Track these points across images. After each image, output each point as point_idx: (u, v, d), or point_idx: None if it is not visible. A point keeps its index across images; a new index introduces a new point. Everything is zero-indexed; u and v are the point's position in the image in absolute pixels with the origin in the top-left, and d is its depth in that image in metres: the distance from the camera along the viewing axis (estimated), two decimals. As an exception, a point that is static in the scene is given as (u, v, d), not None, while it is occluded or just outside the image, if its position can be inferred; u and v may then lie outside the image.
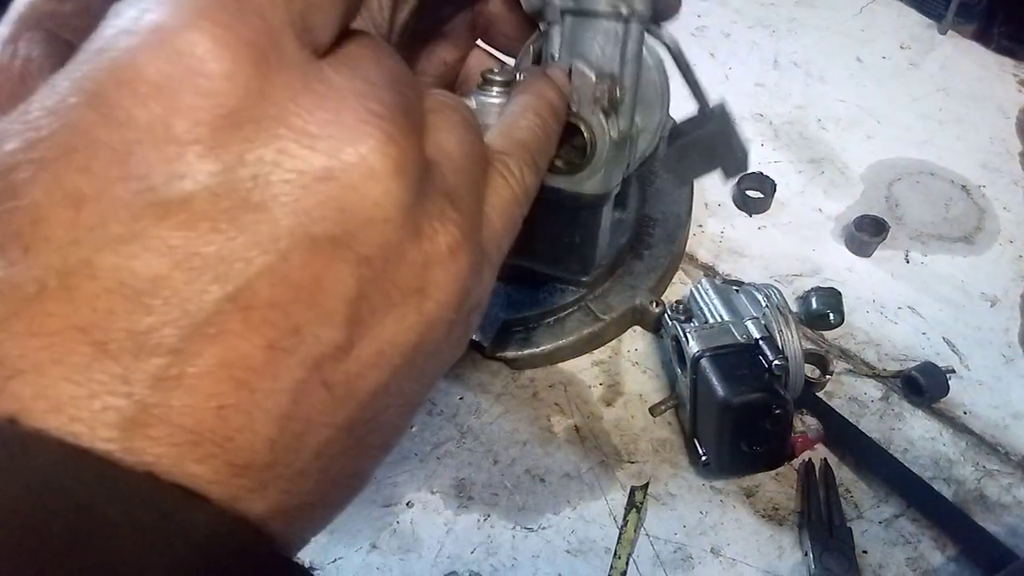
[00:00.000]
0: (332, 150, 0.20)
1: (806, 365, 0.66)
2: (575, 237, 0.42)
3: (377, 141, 0.20)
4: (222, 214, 0.19)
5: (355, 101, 0.21)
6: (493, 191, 0.27)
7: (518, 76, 0.37)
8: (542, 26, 0.43)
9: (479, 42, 0.49)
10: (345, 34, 0.23)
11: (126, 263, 0.18)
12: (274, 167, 0.19)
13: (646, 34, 0.42)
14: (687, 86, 0.44)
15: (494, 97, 0.36)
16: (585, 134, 0.39)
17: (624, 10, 0.39)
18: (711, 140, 0.45)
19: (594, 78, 0.39)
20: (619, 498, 0.63)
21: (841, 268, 0.81)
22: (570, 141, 0.40)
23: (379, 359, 0.22)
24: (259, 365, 0.19)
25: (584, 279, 0.69)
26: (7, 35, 0.24)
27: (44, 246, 0.18)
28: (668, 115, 0.43)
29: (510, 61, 0.46)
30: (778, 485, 0.65)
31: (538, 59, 0.43)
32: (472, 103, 0.37)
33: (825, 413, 0.67)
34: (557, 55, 0.42)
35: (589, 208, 0.42)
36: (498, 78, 0.37)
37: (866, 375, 0.71)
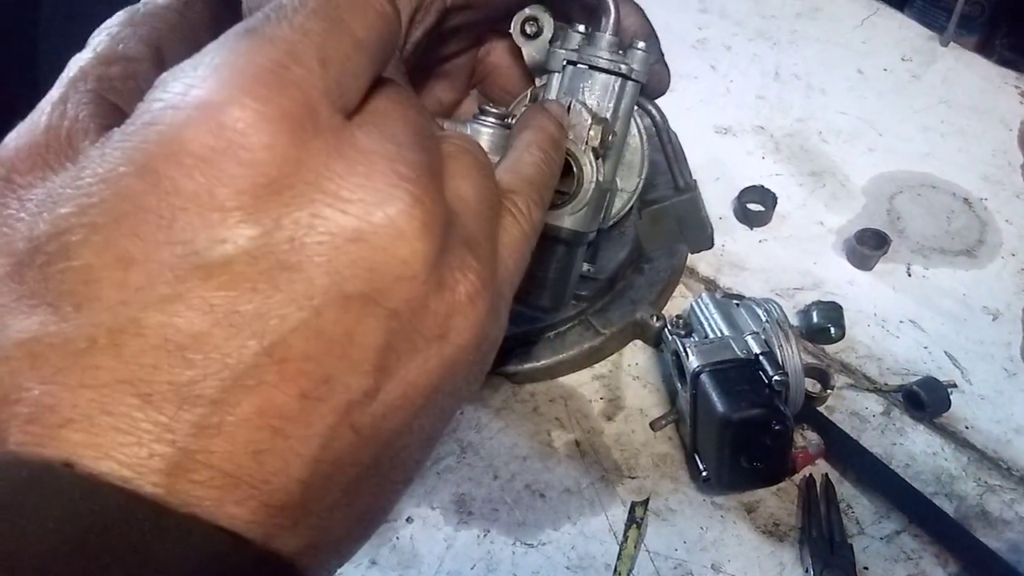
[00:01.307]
0: (363, 213, 0.21)
1: (807, 379, 0.66)
2: (549, 272, 0.43)
3: (405, 204, 0.22)
4: (260, 275, 0.20)
5: (384, 164, 0.22)
6: (505, 231, 0.28)
7: (510, 120, 0.39)
8: (537, 81, 0.45)
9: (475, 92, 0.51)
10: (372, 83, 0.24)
11: (171, 321, 0.20)
12: (309, 229, 0.21)
13: (635, 108, 0.45)
14: (665, 157, 0.48)
15: (488, 127, 0.39)
16: (574, 169, 0.41)
17: (623, 68, 0.42)
18: (684, 212, 0.48)
19: (590, 119, 0.41)
20: (619, 513, 0.63)
21: (842, 282, 0.80)
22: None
23: (403, 401, 0.23)
24: (293, 413, 0.21)
25: (550, 315, 0.70)
26: (57, 97, 0.25)
27: (95, 305, 0.20)
28: (643, 183, 0.47)
29: None
30: (779, 501, 0.64)
31: (534, 102, 0.45)
32: (467, 130, 0.39)
33: (826, 428, 0.67)
34: (554, 97, 0.44)
35: (566, 245, 0.43)
36: (494, 110, 0.39)
37: (867, 390, 0.71)
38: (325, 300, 0.21)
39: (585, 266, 0.46)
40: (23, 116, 0.44)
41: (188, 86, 0.20)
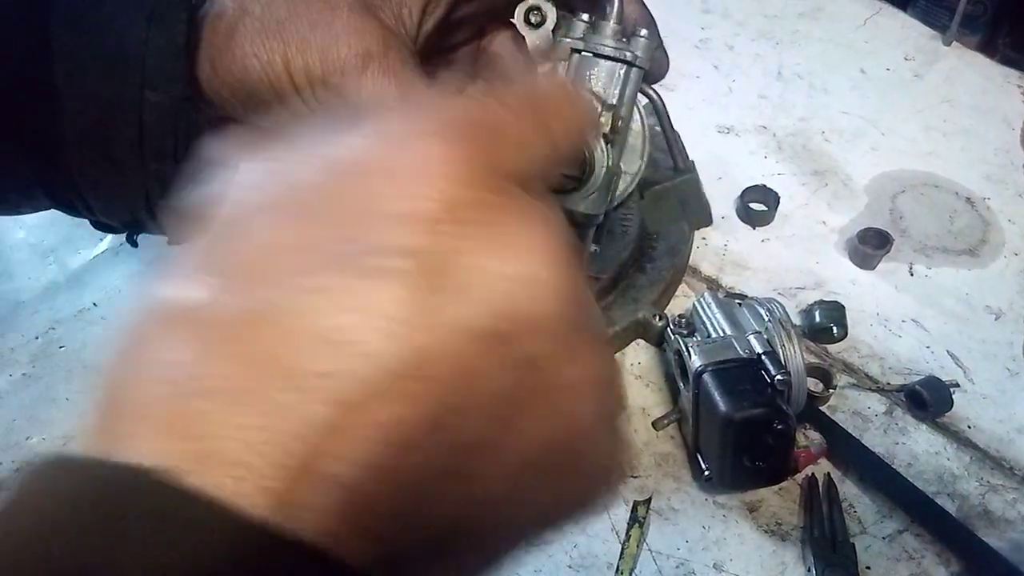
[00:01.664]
0: (523, 262, 0.23)
1: (809, 379, 0.66)
2: None
3: (559, 266, 0.23)
4: (416, 291, 0.21)
5: (543, 225, 0.24)
6: None
7: None
8: (540, 70, 0.47)
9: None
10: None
11: (334, 314, 0.20)
12: (470, 267, 0.22)
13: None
14: (665, 140, 0.49)
15: None
16: (586, 156, 0.42)
17: (628, 55, 0.44)
18: (684, 193, 0.50)
19: (600, 107, 0.43)
20: (621, 513, 0.63)
21: (845, 281, 0.80)
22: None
23: (511, 462, 0.23)
24: (418, 435, 0.21)
25: None
26: None
27: (262, 281, 0.21)
28: (644, 165, 0.48)
29: None
30: (781, 500, 0.64)
31: None
32: None
33: (828, 427, 0.67)
34: None
35: (577, 227, 0.45)
36: None
37: (870, 389, 0.71)
38: (470, 332, 0.21)
39: (592, 246, 0.48)
40: (32, 108, 0.44)
41: (419, 123, 0.22)
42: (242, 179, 0.23)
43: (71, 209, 0.48)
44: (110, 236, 0.81)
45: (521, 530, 0.25)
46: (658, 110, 0.48)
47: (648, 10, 0.46)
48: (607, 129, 0.43)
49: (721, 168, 0.91)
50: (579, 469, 0.25)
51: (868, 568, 0.60)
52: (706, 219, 0.52)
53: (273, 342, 0.20)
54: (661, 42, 0.46)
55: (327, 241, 0.21)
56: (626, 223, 0.75)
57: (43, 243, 0.82)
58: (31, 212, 0.50)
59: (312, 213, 0.21)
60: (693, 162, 0.51)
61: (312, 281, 0.20)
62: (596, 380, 0.25)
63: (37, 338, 0.75)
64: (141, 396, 0.20)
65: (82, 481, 0.19)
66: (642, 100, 0.48)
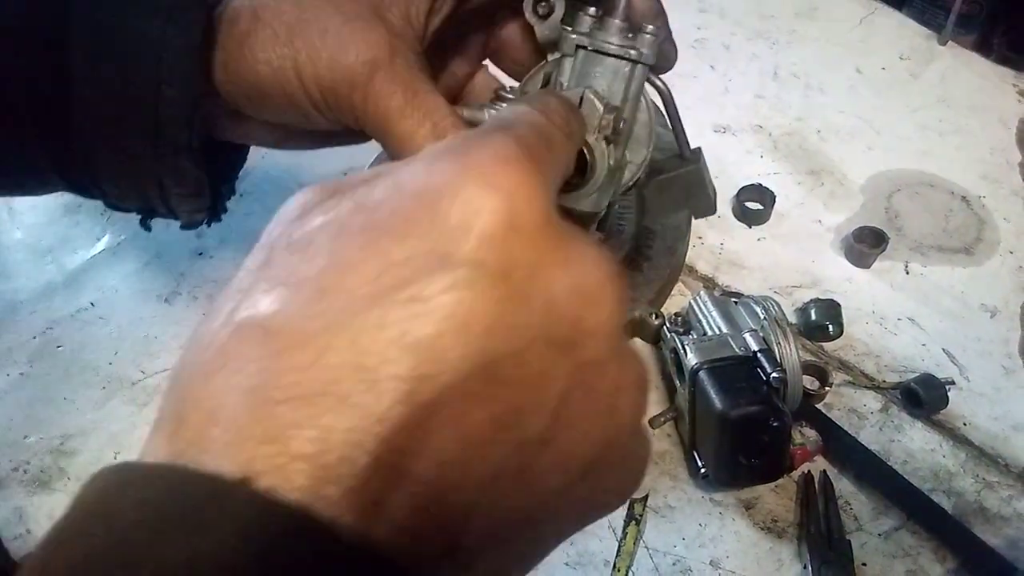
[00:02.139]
0: (587, 275, 0.24)
1: (805, 377, 0.66)
2: None
3: (614, 279, 0.25)
4: (490, 301, 0.22)
5: (592, 246, 0.25)
6: None
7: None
8: (549, 57, 0.47)
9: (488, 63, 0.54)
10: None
11: (411, 321, 0.21)
12: (540, 279, 0.23)
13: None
14: (672, 129, 0.50)
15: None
16: (587, 157, 0.42)
17: (633, 54, 0.45)
18: (688, 181, 0.51)
19: (602, 108, 0.43)
20: (618, 510, 0.63)
21: (840, 279, 0.81)
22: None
23: (566, 456, 0.24)
24: (481, 433, 0.22)
25: None
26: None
27: (342, 293, 0.21)
28: (651, 152, 0.49)
29: (511, 83, 0.51)
30: (777, 497, 0.65)
31: (546, 84, 0.48)
32: (484, 114, 0.42)
33: (824, 425, 0.68)
34: (567, 84, 0.46)
35: (579, 220, 0.45)
36: (509, 96, 0.41)
37: (865, 387, 0.71)
38: (538, 338, 0.23)
39: (596, 234, 0.49)
40: (50, 99, 0.45)
41: (483, 157, 0.23)
42: (301, 198, 0.24)
43: (86, 193, 0.48)
44: (107, 236, 0.81)
45: (570, 521, 0.27)
46: (665, 100, 0.48)
47: (658, 0, 0.46)
48: (609, 132, 0.43)
49: (717, 167, 0.90)
50: (621, 463, 0.27)
51: (864, 565, 0.61)
52: (710, 208, 0.53)
53: (346, 347, 0.21)
54: (670, 33, 0.46)
55: (398, 253, 0.22)
56: (622, 222, 0.75)
57: (41, 243, 0.82)
58: (45, 194, 0.51)
59: (382, 228, 0.22)
60: (700, 150, 0.51)
61: (384, 289, 0.21)
62: (636, 379, 0.26)
63: (35, 338, 0.75)
64: (216, 404, 0.21)
65: (162, 486, 0.19)
66: (650, 90, 0.48)
